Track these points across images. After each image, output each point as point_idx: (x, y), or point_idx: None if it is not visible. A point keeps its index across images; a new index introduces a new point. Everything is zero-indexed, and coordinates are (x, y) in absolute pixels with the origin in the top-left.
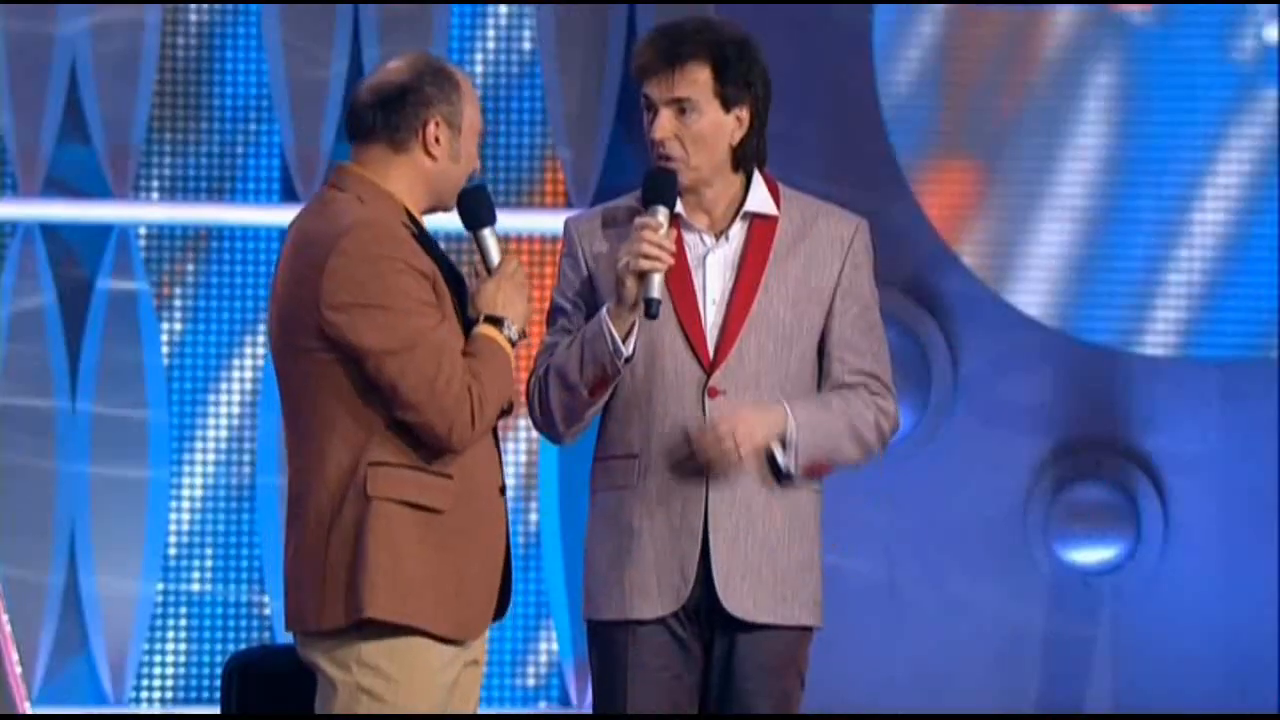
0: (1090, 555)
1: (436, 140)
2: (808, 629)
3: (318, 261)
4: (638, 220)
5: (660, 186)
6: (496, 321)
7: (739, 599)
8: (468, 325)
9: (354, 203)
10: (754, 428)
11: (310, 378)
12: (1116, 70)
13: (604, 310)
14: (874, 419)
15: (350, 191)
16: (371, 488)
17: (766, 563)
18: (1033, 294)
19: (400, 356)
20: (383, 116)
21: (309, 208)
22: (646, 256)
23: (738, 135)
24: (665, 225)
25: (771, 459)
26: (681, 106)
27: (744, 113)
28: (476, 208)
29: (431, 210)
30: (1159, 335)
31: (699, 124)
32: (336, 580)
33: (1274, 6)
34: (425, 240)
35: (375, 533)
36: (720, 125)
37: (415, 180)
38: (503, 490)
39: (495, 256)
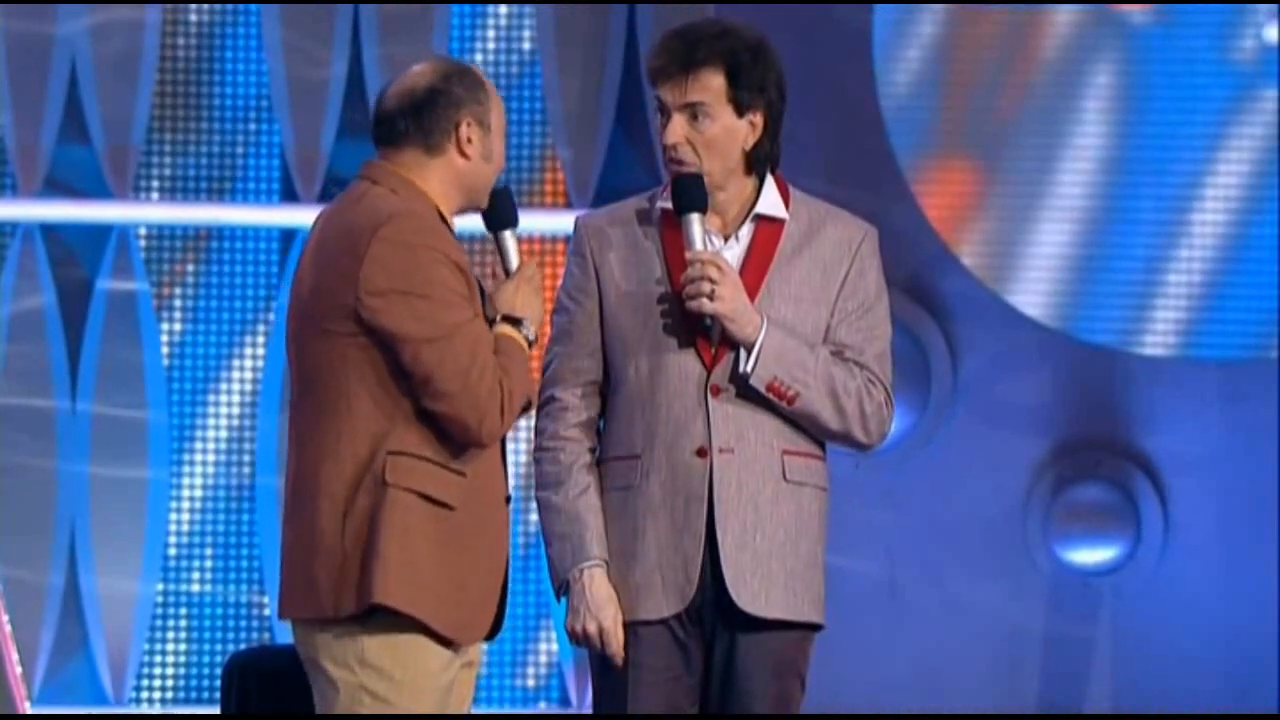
0: (1090, 555)
1: (469, 140)
2: (811, 630)
3: (357, 248)
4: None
5: (690, 193)
6: (515, 322)
7: (751, 595)
8: (487, 323)
9: (389, 195)
10: (733, 294)
11: (335, 361)
12: (1116, 70)
13: (577, 579)
14: (857, 392)
15: (384, 185)
16: (390, 476)
17: (776, 559)
18: (1033, 294)
19: (437, 346)
20: (415, 121)
21: (342, 200)
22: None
23: (751, 140)
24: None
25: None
26: (694, 112)
27: (757, 118)
28: (501, 209)
29: (463, 211)
30: (1159, 335)
31: (711, 130)
32: (349, 567)
33: (1274, 6)
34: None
35: (390, 521)
36: (733, 131)
37: (450, 182)
38: (508, 500)
39: (514, 259)
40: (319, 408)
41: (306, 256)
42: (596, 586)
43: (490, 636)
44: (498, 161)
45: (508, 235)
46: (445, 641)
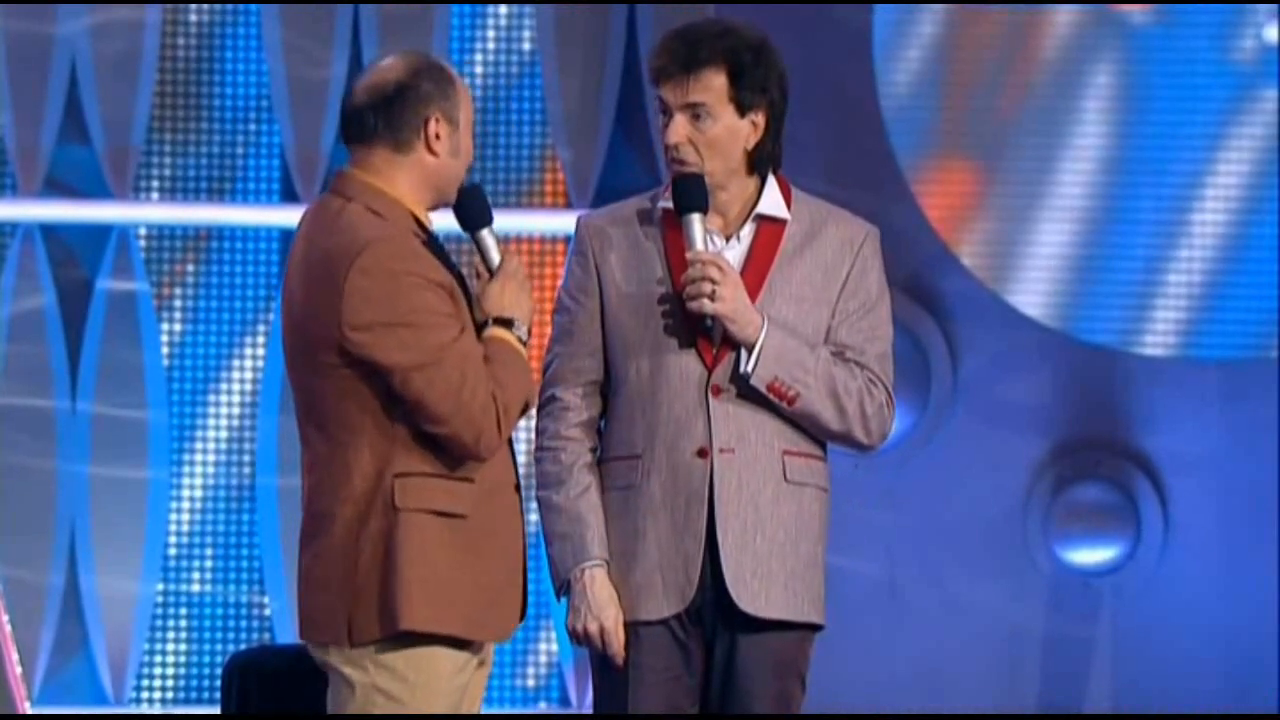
0: (1090, 555)
1: (437, 137)
2: (811, 630)
3: (337, 279)
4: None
5: (690, 193)
6: (505, 322)
7: (751, 596)
8: (476, 327)
9: (366, 215)
10: (734, 294)
11: (332, 393)
12: (1116, 70)
13: (580, 576)
14: (858, 392)
15: (359, 201)
16: (400, 499)
17: (776, 559)
18: (1033, 294)
19: (426, 371)
20: (384, 118)
21: (317, 218)
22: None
23: (753, 140)
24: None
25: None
26: (696, 112)
27: (759, 117)
28: (474, 209)
29: (433, 208)
30: (1159, 335)
31: (713, 130)
32: (369, 594)
33: (1274, 6)
34: (435, 247)
35: (407, 544)
36: (735, 131)
37: (419, 180)
38: (518, 487)
39: (495, 256)
40: (324, 437)
41: (293, 276)
42: (598, 586)
43: (519, 621)
44: (466, 157)
45: (486, 234)
46: (469, 643)
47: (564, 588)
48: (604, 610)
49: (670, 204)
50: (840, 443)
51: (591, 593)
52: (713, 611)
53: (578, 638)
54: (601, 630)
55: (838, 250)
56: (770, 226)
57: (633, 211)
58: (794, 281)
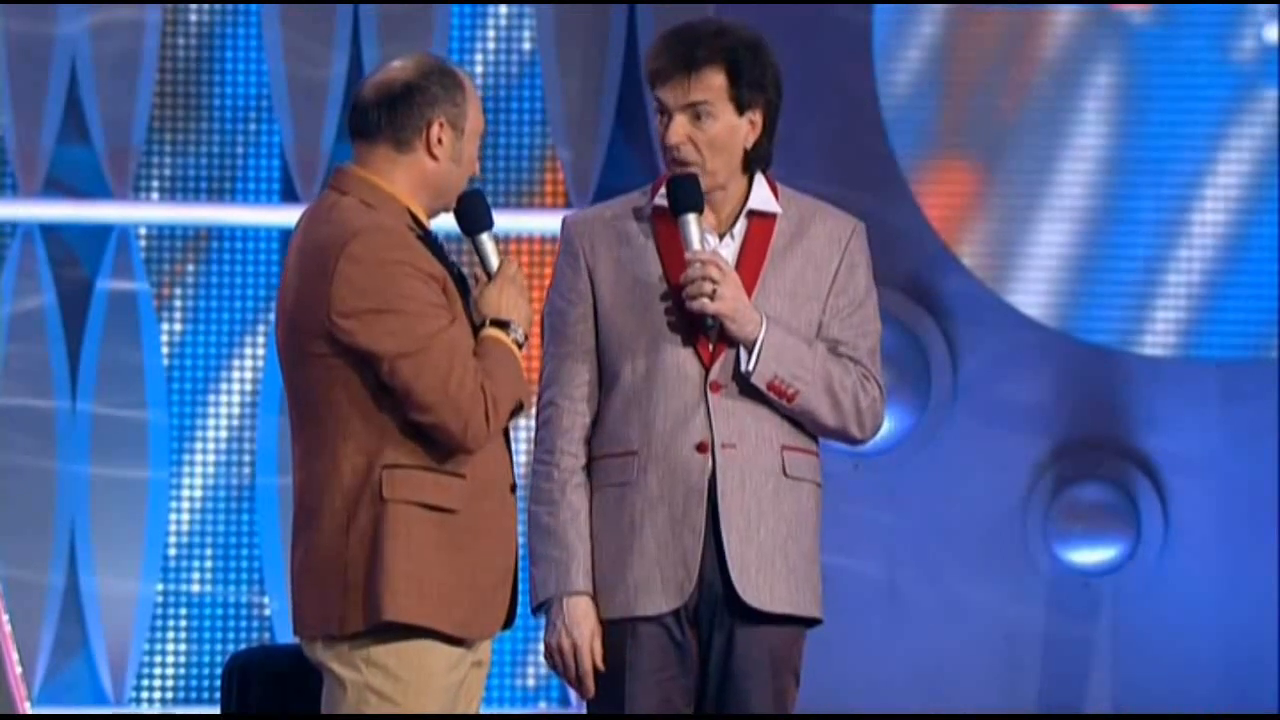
0: (1090, 555)
1: (439, 141)
2: (805, 625)
3: (326, 267)
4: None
5: (687, 193)
6: (502, 325)
7: (755, 590)
8: (473, 330)
9: (359, 207)
10: (734, 294)
11: (321, 383)
12: (1116, 70)
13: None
14: (853, 388)
15: (354, 195)
16: (388, 491)
17: (779, 554)
18: (1033, 294)
19: (414, 359)
20: (387, 115)
21: (313, 213)
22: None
23: (751, 139)
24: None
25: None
26: (696, 112)
27: (757, 116)
28: (474, 213)
29: (432, 213)
30: (1159, 335)
31: (714, 129)
32: (356, 585)
33: (1274, 6)
34: (430, 242)
35: (394, 536)
36: (734, 129)
37: (417, 181)
38: (514, 489)
39: (494, 260)
40: (315, 430)
41: (287, 271)
42: (580, 612)
43: (506, 626)
44: (469, 165)
45: (485, 238)
46: (457, 640)
47: (541, 610)
48: (578, 628)
49: (663, 202)
50: (834, 438)
51: (571, 616)
52: (710, 608)
53: (552, 655)
54: (575, 648)
55: (825, 245)
56: (761, 222)
57: (619, 211)
58: (786, 277)
